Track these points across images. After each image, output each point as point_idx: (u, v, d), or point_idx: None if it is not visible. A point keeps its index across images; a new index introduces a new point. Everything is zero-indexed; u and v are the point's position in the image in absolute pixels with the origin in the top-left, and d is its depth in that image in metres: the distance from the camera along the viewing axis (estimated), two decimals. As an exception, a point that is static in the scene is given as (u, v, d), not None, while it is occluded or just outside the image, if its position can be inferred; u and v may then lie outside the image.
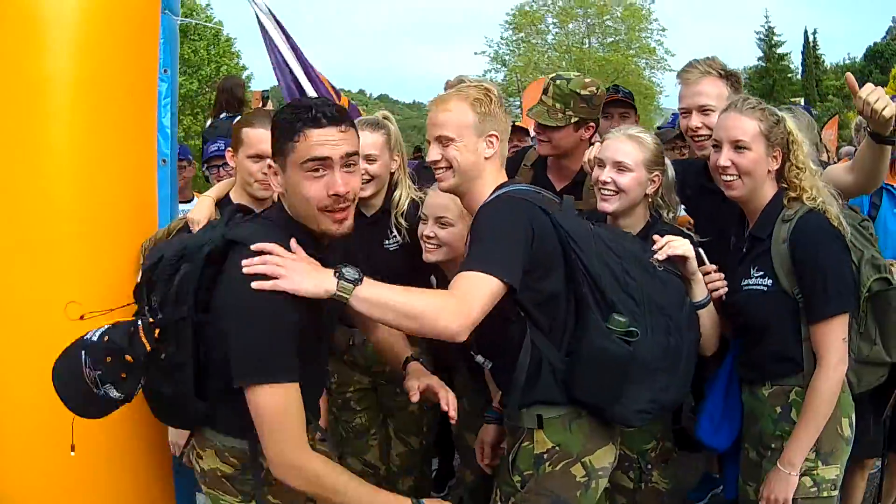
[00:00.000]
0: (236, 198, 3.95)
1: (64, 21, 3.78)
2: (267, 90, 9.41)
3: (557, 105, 4.21)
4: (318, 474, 2.73)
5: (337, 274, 2.71)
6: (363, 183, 3.87)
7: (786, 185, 3.42)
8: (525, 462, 3.10)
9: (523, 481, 3.10)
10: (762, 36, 64.59)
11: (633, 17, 51.01)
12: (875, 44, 65.99)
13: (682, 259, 3.31)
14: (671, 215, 3.79)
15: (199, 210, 3.84)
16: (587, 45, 51.65)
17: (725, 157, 3.39)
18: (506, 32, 51.61)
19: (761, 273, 3.40)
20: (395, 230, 4.17)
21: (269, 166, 2.94)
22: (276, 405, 2.68)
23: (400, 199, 4.18)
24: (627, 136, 3.66)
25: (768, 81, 58.95)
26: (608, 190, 3.60)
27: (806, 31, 67.10)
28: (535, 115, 4.24)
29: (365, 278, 2.74)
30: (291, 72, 5.39)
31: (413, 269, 4.01)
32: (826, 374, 3.25)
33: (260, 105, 9.08)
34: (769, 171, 3.41)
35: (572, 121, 4.22)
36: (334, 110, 2.83)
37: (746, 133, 3.35)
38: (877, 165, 3.70)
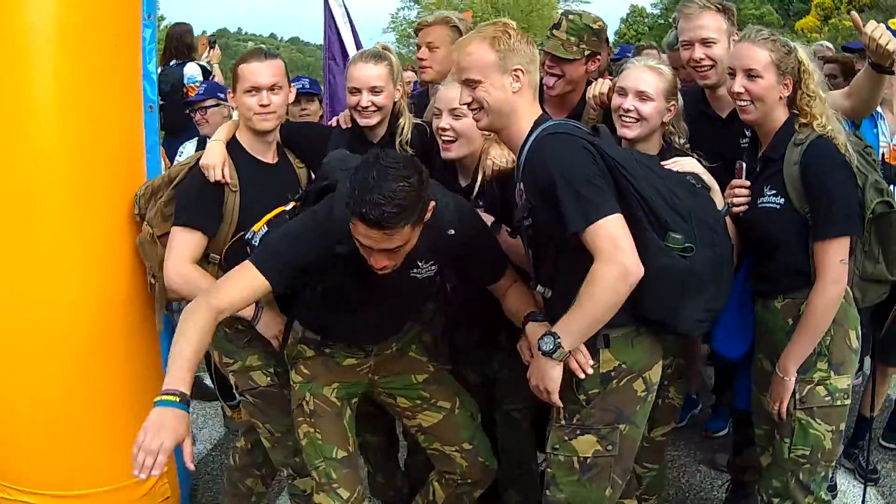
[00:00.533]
0: (241, 137, 4.00)
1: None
2: (213, 34, 9.33)
3: (572, 38, 4.29)
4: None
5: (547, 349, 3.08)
6: (371, 112, 4.08)
7: (797, 112, 3.59)
8: (591, 381, 3.21)
9: (588, 399, 3.23)
10: (686, -33, 64.94)
11: (545, -52, 51.05)
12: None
13: (693, 175, 3.52)
14: (681, 141, 3.96)
15: (214, 155, 3.84)
16: (500, -22, 51.50)
17: (739, 84, 3.58)
18: None
19: (774, 192, 3.58)
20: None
21: None
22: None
23: (404, 127, 4.25)
24: (648, 66, 3.83)
25: (681, 9, 59.48)
26: (629, 117, 3.77)
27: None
28: (552, 49, 4.29)
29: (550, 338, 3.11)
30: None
31: None
32: (821, 292, 3.46)
33: (207, 50, 8.98)
34: (780, 97, 3.58)
35: (585, 53, 4.32)
36: (381, 213, 2.96)
37: (758, 62, 3.53)
38: (873, 93, 4.06)
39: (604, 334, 3.17)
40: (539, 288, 3.31)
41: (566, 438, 3.28)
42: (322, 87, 6.25)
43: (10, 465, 4.13)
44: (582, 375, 3.16)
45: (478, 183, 3.91)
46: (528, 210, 3.18)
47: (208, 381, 6.37)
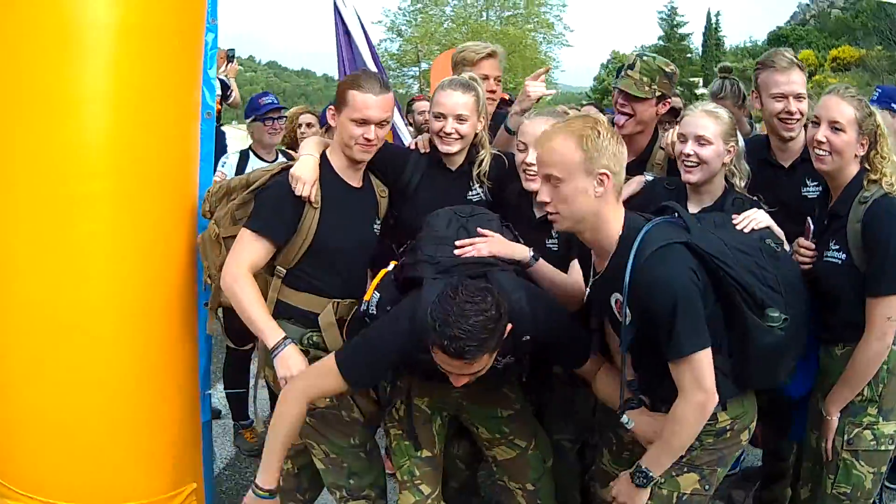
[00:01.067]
0: (332, 157, 4.04)
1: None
2: (232, 49, 9.24)
3: (644, 79, 4.41)
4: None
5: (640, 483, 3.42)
6: (453, 140, 4.15)
7: (868, 168, 3.75)
8: (708, 434, 3.42)
9: (702, 445, 3.44)
10: (664, 15, 66.11)
11: (533, -8, 51.86)
12: (779, 27, 68.02)
13: (766, 229, 3.64)
14: (742, 182, 4.11)
15: (307, 170, 3.88)
16: (484, 18, 52.23)
17: (822, 134, 3.74)
18: (404, 3, 51.76)
19: (837, 247, 3.75)
20: (475, 183, 4.33)
21: None
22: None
23: (484, 159, 4.31)
24: (705, 111, 4.00)
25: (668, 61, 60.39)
26: (691, 162, 3.93)
27: (709, 13, 69.07)
28: (626, 87, 4.41)
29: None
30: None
31: None
32: (866, 346, 3.66)
33: (225, 64, 8.95)
34: (856, 154, 3.75)
35: (656, 94, 4.44)
36: (461, 347, 3.15)
37: (844, 116, 3.71)
38: None
39: (722, 399, 3.33)
40: (625, 419, 3.53)
41: (673, 474, 3.43)
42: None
43: (39, 476, 4.03)
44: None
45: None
46: (633, 324, 3.28)
47: (216, 400, 6.30)
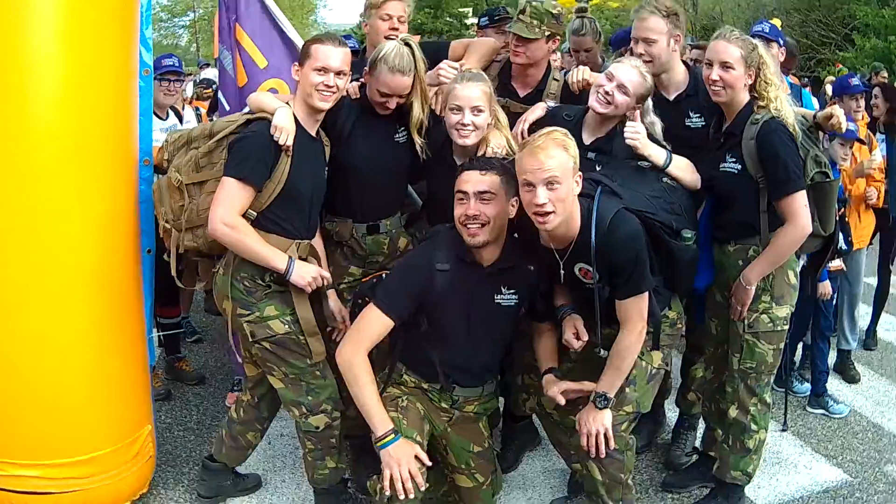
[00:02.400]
0: (296, 109, 4.36)
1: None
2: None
3: (534, 21, 5.06)
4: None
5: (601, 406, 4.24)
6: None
7: (756, 96, 4.57)
8: (666, 325, 4.52)
9: (663, 333, 4.49)
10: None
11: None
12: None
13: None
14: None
15: (288, 120, 4.22)
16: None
17: (716, 73, 4.54)
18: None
19: (734, 160, 4.59)
20: (401, 126, 4.89)
21: None
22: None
23: (418, 110, 4.81)
24: (635, 66, 4.69)
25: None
26: (605, 99, 4.64)
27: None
28: (518, 30, 5.07)
29: None
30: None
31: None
32: (794, 230, 4.47)
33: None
34: (745, 84, 4.55)
35: (545, 34, 5.11)
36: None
37: (732, 56, 4.50)
38: None
39: (665, 302, 4.48)
40: (602, 352, 4.29)
41: (647, 350, 4.34)
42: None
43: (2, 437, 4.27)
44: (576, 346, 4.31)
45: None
46: (601, 278, 4.09)
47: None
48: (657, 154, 4.54)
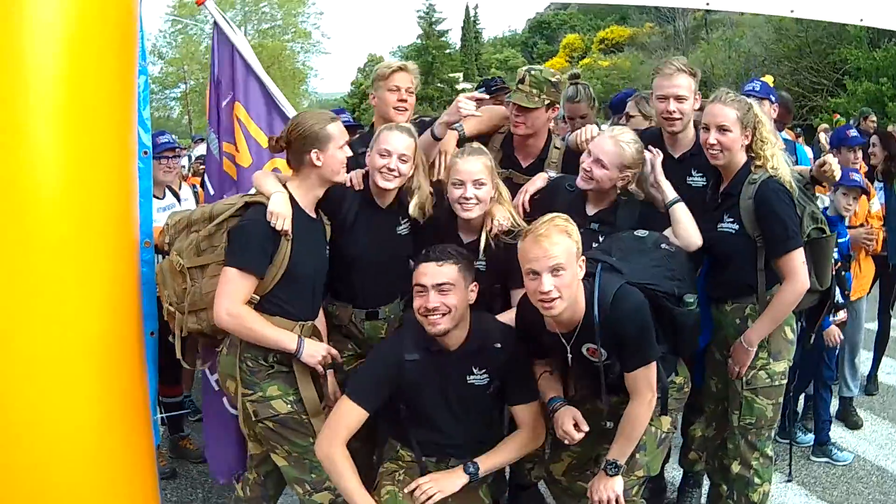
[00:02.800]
0: (296, 192, 4.52)
1: (48, 17, 4.00)
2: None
3: (534, 90, 5.15)
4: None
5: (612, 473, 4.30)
6: (392, 178, 4.70)
7: (753, 155, 4.69)
8: (674, 390, 4.65)
9: (671, 398, 4.60)
10: (423, 13, 66.79)
11: (290, 2, 51.96)
12: (538, 14, 69.24)
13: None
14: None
15: (283, 206, 4.34)
16: (243, 32, 52.11)
17: (713, 137, 4.66)
18: (164, 25, 51.14)
19: (731, 219, 4.72)
20: (403, 218, 4.97)
21: None
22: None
23: (420, 193, 4.91)
24: (621, 140, 4.75)
25: (427, 58, 61.13)
26: (588, 176, 4.74)
27: (467, 7, 69.94)
28: (518, 100, 5.15)
29: None
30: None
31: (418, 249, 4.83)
32: (792, 287, 4.61)
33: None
34: (742, 145, 4.68)
35: (545, 102, 5.19)
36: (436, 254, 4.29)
37: (728, 119, 4.62)
38: None
39: (672, 367, 4.62)
40: (608, 424, 4.42)
41: (656, 417, 4.39)
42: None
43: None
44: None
45: (482, 241, 4.72)
46: (609, 355, 4.19)
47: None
48: (668, 188, 4.74)
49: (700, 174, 5.06)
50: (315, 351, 4.40)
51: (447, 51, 67.81)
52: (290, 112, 5.43)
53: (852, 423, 7.34)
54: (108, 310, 4.24)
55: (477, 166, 4.64)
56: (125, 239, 4.42)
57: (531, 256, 3.93)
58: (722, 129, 4.63)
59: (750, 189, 4.64)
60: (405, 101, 5.46)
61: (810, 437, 6.93)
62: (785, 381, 4.90)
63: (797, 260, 4.59)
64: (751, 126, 4.65)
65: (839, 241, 6.03)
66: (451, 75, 60.42)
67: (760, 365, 4.79)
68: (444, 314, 4.18)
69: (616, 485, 4.22)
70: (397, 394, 4.33)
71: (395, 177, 4.67)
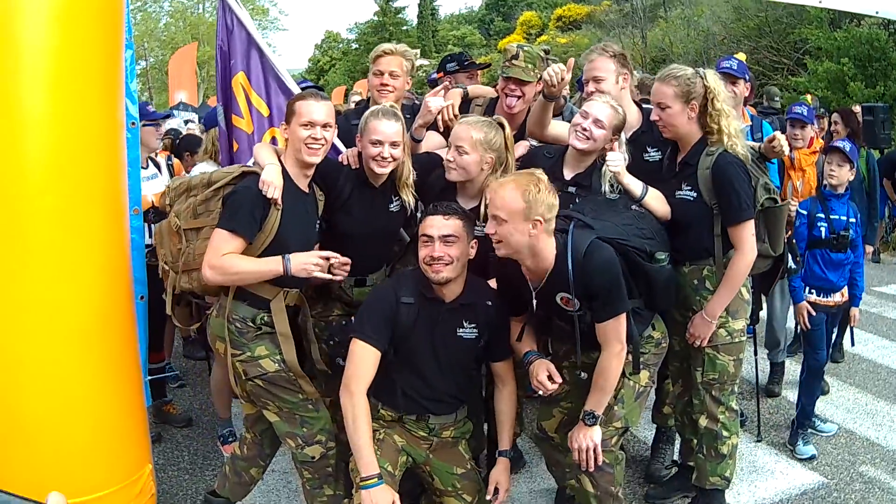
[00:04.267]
0: (287, 164, 4.75)
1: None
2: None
3: (529, 66, 5.50)
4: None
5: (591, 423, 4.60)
6: (387, 164, 4.97)
7: (708, 130, 5.00)
8: (649, 344, 4.91)
9: (649, 352, 4.92)
10: (380, -10, 66.55)
11: (247, -21, 51.90)
12: (497, -10, 68.88)
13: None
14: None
15: (276, 175, 4.58)
16: (200, 11, 52.10)
17: (655, 114, 5.07)
18: (126, 1, 50.79)
19: (689, 188, 5.05)
20: (395, 196, 5.24)
21: None
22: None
23: (405, 171, 5.18)
24: (609, 104, 5.11)
25: (384, 35, 61.09)
26: (584, 135, 5.06)
27: (424, -17, 69.23)
28: (516, 74, 5.50)
29: None
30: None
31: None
32: (743, 258, 4.99)
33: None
34: (689, 118, 5.00)
35: (538, 77, 5.48)
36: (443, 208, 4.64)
37: (666, 96, 4.97)
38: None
39: (647, 322, 4.88)
40: (583, 374, 4.79)
41: (634, 371, 4.75)
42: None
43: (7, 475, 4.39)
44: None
45: (482, 207, 4.91)
46: (581, 307, 4.50)
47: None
48: (634, 185, 5.01)
49: (654, 149, 5.42)
50: (305, 261, 4.55)
51: (404, 27, 67.88)
52: (290, 83, 5.71)
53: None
54: (102, 275, 4.44)
55: (464, 134, 4.93)
56: (115, 206, 4.61)
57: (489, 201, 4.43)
58: (661, 106, 5.00)
59: (707, 160, 4.96)
60: (387, 85, 5.74)
61: (830, 425, 7.07)
62: (744, 339, 5.27)
63: (747, 231, 4.96)
64: (697, 99, 4.95)
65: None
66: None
67: (720, 323, 5.12)
68: (447, 264, 4.48)
69: (594, 434, 4.52)
70: (392, 336, 4.58)
71: (390, 162, 4.94)
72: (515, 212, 4.24)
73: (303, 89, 5.31)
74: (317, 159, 4.71)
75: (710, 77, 4.97)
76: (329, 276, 4.66)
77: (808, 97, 15.91)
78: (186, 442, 6.88)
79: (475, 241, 4.67)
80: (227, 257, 4.45)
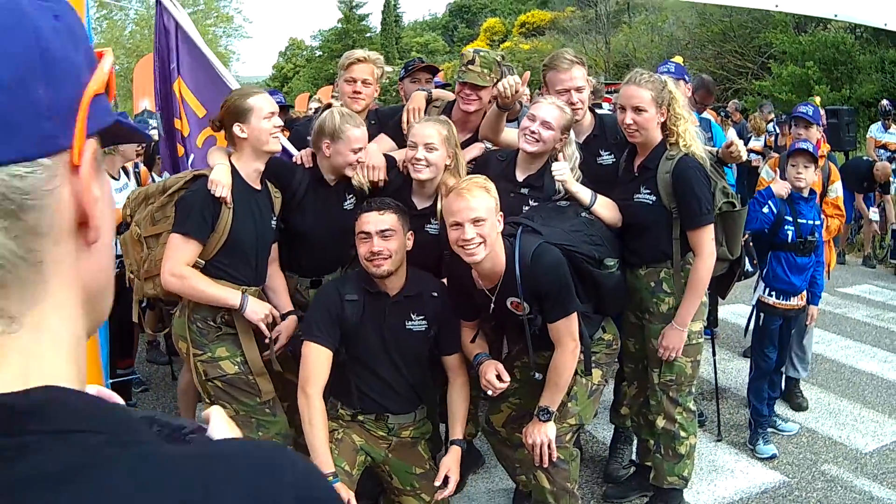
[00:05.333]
0: (238, 164, 4.83)
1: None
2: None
3: (485, 70, 5.54)
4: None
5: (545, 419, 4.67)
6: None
7: (668, 132, 5.04)
8: (600, 345, 5.01)
9: (600, 352, 5.01)
10: (343, -2, 66.89)
11: (213, -13, 52.08)
12: (459, -2, 69.22)
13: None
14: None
15: (224, 175, 4.68)
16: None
17: (629, 117, 4.98)
18: (91, 10, 50.62)
19: (648, 191, 5.07)
20: (349, 194, 5.36)
21: None
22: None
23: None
24: (556, 104, 5.09)
25: (347, 42, 61.30)
26: (533, 137, 5.02)
27: (387, -9, 69.50)
28: (472, 79, 5.52)
29: None
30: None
31: None
32: (703, 263, 5.04)
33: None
34: (658, 122, 5.01)
35: (494, 81, 5.53)
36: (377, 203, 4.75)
37: (643, 100, 4.93)
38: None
39: (596, 325, 4.98)
40: (537, 375, 4.79)
41: (586, 371, 4.81)
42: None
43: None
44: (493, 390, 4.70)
45: (439, 206, 4.88)
46: (532, 311, 4.57)
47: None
48: (583, 193, 5.07)
49: (608, 153, 5.51)
50: (259, 308, 4.76)
51: (367, 34, 68.17)
52: (233, 85, 5.76)
53: (796, 405, 7.59)
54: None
55: (431, 132, 4.99)
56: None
57: (454, 209, 4.35)
58: (638, 110, 4.95)
59: (668, 164, 4.98)
60: (360, 93, 5.82)
61: (792, 425, 7.13)
62: (701, 340, 5.31)
63: (707, 235, 4.99)
64: (665, 104, 4.99)
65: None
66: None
67: None
68: (386, 258, 4.60)
69: (549, 430, 4.61)
70: (341, 335, 4.69)
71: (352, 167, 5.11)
72: (491, 209, 4.34)
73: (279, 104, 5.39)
74: (278, 147, 4.90)
75: (670, 82, 5.06)
76: (267, 333, 4.81)
77: (817, 99, 16.07)
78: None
79: (410, 231, 4.78)
80: (192, 277, 4.60)
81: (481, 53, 5.66)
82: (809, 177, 6.48)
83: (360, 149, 5.06)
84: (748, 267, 5.92)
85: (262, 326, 4.74)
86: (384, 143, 5.68)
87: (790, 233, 6.51)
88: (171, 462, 0.82)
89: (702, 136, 5.34)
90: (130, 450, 0.80)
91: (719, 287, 5.88)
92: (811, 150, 6.48)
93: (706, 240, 4.98)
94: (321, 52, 70.40)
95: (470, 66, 5.56)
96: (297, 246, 5.17)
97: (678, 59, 7.69)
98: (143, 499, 0.76)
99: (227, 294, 4.67)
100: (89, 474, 0.75)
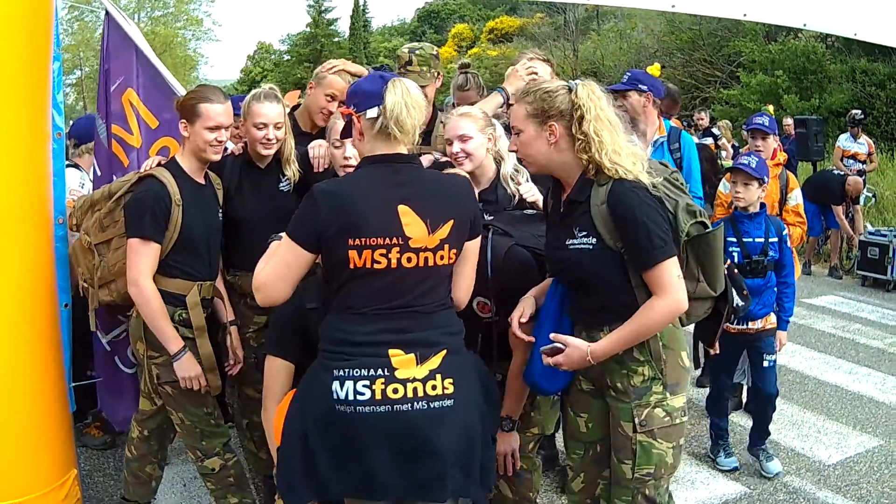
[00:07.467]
0: (182, 161, 4.91)
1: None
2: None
3: (424, 68, 5.67)
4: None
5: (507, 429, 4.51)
6: (272, 146, 5.18)
7: (585, 156, 3.86)
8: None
9: None
10: (311, 2, 67.05)
11: (183, -10, 52.24)
12: (428, 3, 69.47)
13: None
14: (510, 162, 5.07)
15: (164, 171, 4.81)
16: (136, 20, 51.99)
17: (512, 143, 4.10)
18: (61, 12, 50.52)
19: (584, 233, 3.84)
20: (283, 176, 5.36)
21: None
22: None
23: (289, 153, 5.35)
24: (460, 114, 4.89)
25: (316, 47, 61.29)
26: (461, 157, 4.79)
27: (356, -4, 69.66)
28: (414, 80, 5.11)
29: None
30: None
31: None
32: (666, 302, 3.73)
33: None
34: (550, 143, 3.89)
35: (435, 76, 5.73)
36: None
37: (517, 119, 3.95)
38: None
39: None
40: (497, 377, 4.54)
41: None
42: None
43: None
44: None
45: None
46: (497, 311, 4.43)
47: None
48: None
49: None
50: (190, 368, 4.77)
51: (336, 39, 68.17)
52: (182, 93, 5.75)
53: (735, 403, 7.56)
54: (24, 283, 4.52)
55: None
56: (40, 216, 4.70)
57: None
58: (515, 131, 3.99)
59: (601, 191, 3.81)
60: (332, 111, 5.78)
61: (732, 460, 6.68)
62: (686, 418, 4.02)
63: (667, 272, 3.73)
64: (559, 118, 3.82)
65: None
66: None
67: (656, 401, 3.89)
68: None
69: (512, 440, 4.57)
70: (306, 347, 4.61)
71: (274, 144, 5.15)
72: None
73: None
74: (219, 157, 4.95)
75: (581, 90, 3.83)
76: (194, 387, 4.83)
77: (770, 107, 16.10)
78: (112, 448, 6.95)
79: None
80: (155, 296, 4.67)
81: (417, 52, 5.75)
82: (751, 195, 6.08)
83: (265, 125, 5.06)
84: (737, 301, 4.27)
85: (187, 383, 4.77)
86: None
87: (735, 254, 6.07)
88: None
89: (641, 149, 4.11)
90: None
91: (705, 334, 4.52)
92: (748, 170, 6.05)
93: (667, 279, 3.71)
94: (289, 56, 70.17)
95: (409, 68, 5.66)
96: (243, 237, 5.17)
97: (656, 68, 7.63)
98: None
99: (172, 340, 4.72)
100: None
